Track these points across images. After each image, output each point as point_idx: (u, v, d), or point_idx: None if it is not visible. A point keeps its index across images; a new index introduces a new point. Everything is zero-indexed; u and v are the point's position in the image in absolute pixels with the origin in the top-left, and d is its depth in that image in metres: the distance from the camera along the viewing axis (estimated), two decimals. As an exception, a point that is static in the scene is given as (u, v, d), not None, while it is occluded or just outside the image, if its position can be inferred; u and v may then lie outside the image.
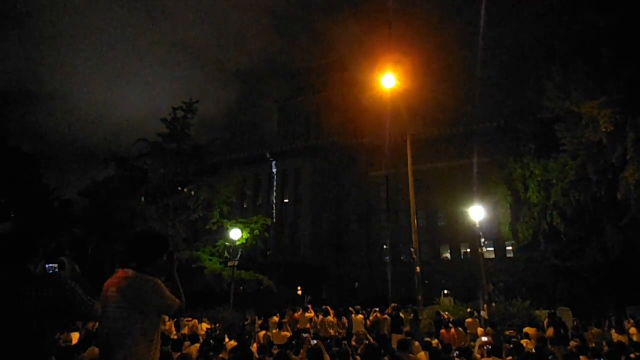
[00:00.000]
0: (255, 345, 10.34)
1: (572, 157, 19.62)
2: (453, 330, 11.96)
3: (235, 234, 22.35)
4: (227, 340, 11.11)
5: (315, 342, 8.45)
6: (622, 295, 20.06)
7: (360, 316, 15.80)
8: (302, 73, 56.90)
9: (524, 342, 9.37)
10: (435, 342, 9.71)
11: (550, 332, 11.23)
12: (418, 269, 14.13)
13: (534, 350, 8.24)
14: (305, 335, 10.11)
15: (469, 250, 40.81)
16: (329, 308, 15.61)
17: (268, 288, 27.54)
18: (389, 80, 14.16)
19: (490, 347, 8.39)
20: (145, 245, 3.07)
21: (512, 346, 8.66)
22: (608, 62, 17.88)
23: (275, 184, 50.10)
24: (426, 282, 26.49)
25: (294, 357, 7.66)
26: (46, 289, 2.50)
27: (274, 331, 12.42)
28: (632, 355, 7.90)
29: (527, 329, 11.60)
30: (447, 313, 15.46)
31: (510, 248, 35.95)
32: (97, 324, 7.29)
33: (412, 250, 14.85)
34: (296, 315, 16.25)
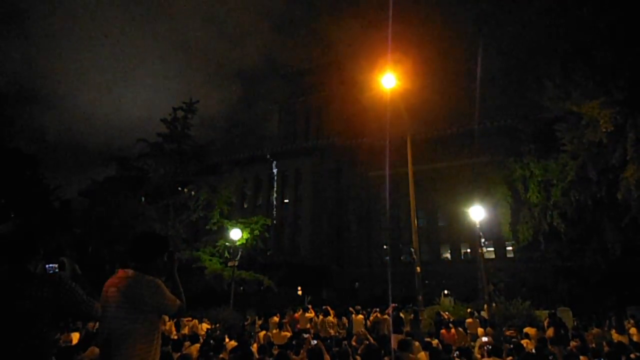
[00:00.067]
0: (255, 345, 10.34)
1: (572, 157, 19.60)
2: (453, 330, 11.96)
3: (235, 234, 22.35)
4: (227, 340, 11.11)
5: (315, 342, 8.45)
6: (622, 295, 20.08)
7: (360, 316, 15.82)
8: (302, 73, 56.89)
9: (524, 342, 9.38)
10: (435, 342, 9.71)
11: (550, 332, 11.23)
12: (418, 269, 14.13)
13: (534, 350, 8.24)
14: (306, 336, 10.10)
15: (469, 250, 40.81)
16: (329, 308, 15.62)
17: (268, 288, 27.54)
18: (389, 80, 14.16)
19: (490, 347, 8.39)
20: (146, 245, 3.07)
21: (512, 346, 8.66)
22: (608, 62, 17.87)
23: (275, 184, 50.11)
24: (426, 282, 26.51)
25: (294, 357, 7.66)
26: (46, 289, 2.50)
27: (274, 331, 12.43)
28: (632, 355, 7.90)
29: (527, 329, 11.60)
30: (447, 313, 15.47)
31: (510, 248, 35.94)
32: (97, 324, 7.30)
33: (412, 250, 14.85)
34: (296, 315, 16.26)
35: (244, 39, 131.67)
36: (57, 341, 9.47)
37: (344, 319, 16.34)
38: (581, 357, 7.87)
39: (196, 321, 15.60)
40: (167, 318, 10.64)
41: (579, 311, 18.48)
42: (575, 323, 16.76)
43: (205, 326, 15.84)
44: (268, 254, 37.05)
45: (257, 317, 18.17)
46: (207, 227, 27.09)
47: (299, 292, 36.88)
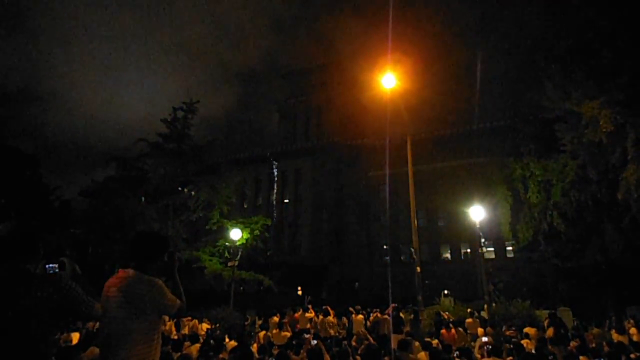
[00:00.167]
0: (255, 345, 10.35)
1: (572, 157, 19.62)
2: (453, 330, 11.95)
3: (235, 234, 22.35)
4: (227, 340, 11.12)
5: (315, 342, 8.45)
6: (622, 295, 20.07)
7: (360, 316, 15.82)
8: (302, 73, 56.89)
9: (524, 342, 9.38)
10: (435, 342, 9.71)
11: (550, 332, 11.23)
12: (418, 269, 14.13)
13: (534, 351, 8.24)
14: (306, 336, 10.10)
15: (469, 250, 40.81)
16: (328, 308, 15.62)
17: (268, 288, 27.53)
18: (389, 80, 14.16)
19: (490, 347, 8.39)
20: (146, 245, 3.07)
21: (512, 346, 8.66)
22: (608, 62, 17.88)
23: (275, 184, 50.12)
24: (426, 282, 26.51)
25: (294, 357, 7.66)
26: (46, 289, 2.50)
27: (274, 331, 12.42)
28: (632, 355, 7.90)
29: (527, 329, 11.61)
30: (447, 313, 15.46)
31: (510, 248, 35.95)
32: (97, 324, 7.28)
33: (412, 250, 14.86)
34: (296, 315, 16.26)
35: (244, 39, 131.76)
36: (57, 341, 9.47)
37: (344, 319, 16.34)
38: (581, 357, 7.87)
39: (196, 321, 15.60)
40: (167, 318, 10.63)
41: (579, 311, 18.47)
42: (575, 323, 16.76)
43: (205, 326, 15.84)
44: (268, 254, 37.05)
45: (257, 317, 18.19)
46: (207, 227, 27.08)
47: (299, 292, 36.88)
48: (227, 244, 25.48)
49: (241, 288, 27.14)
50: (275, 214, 46.79)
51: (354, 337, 10.98)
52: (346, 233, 46.18)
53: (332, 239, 45.32)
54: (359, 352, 7.35)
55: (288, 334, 11.81)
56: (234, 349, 8.40)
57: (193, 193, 27.24)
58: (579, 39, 19.26)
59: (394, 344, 8.98)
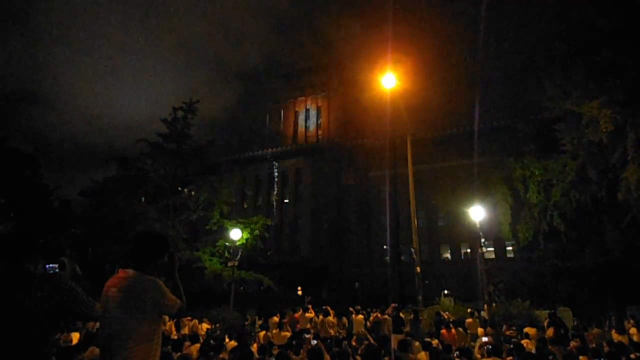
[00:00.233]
0: (255, 345, 10.34)
1: (572, 157, 19.61)
2: (453, 330, 11.95)
3: (235, 234, 22.35)
4: (227, 340, 11.12)
5: (315, 342, 8.45)
6: (622, 295, 20.06)
7: (360, 316, 15.82)
8: (302, 73, 56.87)
9: (524, 342, 9.38)
10: (435, 342, 9.71)
11: (550, 332, 11.23)
12: (418, 269, 14.14)
13: (534, 351, 8.24)
14: (306, 336, 10.10)
15: (469, 250, 40.81)
16: (328, 308, 15.61)
17: (268, 288, 27.54)
18: (389, 80, 14.16)
19: (490, 347, 8.39)
20: (146, 245, 3.07)
21: (512, 346, 8.66)
22: (608, 62, 17.87)
23: (275, 184, 50.11)
24: (426, 282, 26.49)
25: (294, 357, 7.66)
26: (46, 289, 2.50)
27: (274, 331, 12.42)
28: (632, 355, 7.90)
29: (527, 329, 11.60)
30: (447, 313, 15.46)
31: (510, 248, 35.95)
32: (97, 324, 7.28)
33: (412, 250, 14.86)
34: (296, 315, 16.25)
35: (244, 39, 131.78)
36: (57, 341, 9.47)
37: (344, 319, 16.34)
38: (581, 357, 7.87)
39: (196, 321, 15.59)
40: (167, 318, 10.64)
41: (579, 311, 18.47)
42: (575, 323, 16.75)
43: (205, 326, 15.83)
44: (268, 254, 37.04)
45: (257, 317, 18.18)
46: (207, 227, 27.09)
47: (299, 292, 36.89)
48: (227, 244, 25.50)
49: (241, 288, 27.12)
50: (275, 214, 46.79)
51: (354, 337, 10.98)
52: (346, 233, 46.17)
53: (332, 239, 45.32)
54: (359, 352, 7.35)
55: (288, 334, 11.81)
56: (234, 349, 8.40)
57: (193, 193, 27.25)
58: (579, 39, 19.26)
59: (394, 344, 8.98)
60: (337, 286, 41.68)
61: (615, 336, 11.59)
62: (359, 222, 46.14)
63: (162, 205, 26.40)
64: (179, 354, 7.56)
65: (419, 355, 7.32)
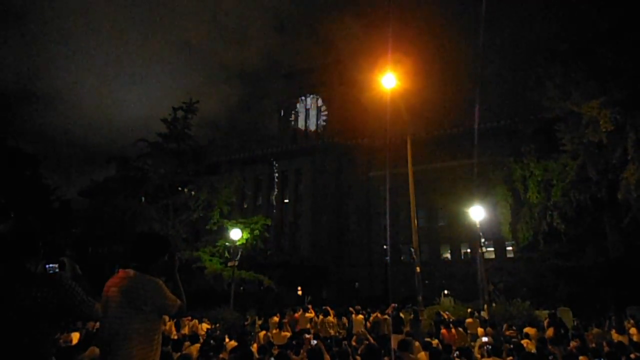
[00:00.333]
0: (255, 345, 10.34)
1: (572, 157, 19.62)
2: (453, 330, 11.94)
3: (235, 234, 22.35)
4: (227, 340, 11.12)
5: (315, 342, 8.44)
6: (622, 295, 20.05)
7: (360, 316, 15.80)
8: (302, 73, 56.89)
9: (524, 342, 9.38)
10: (435, 342, 9.71)
11: (550, 332, 11.22)
12: (418, 269, 14.13)
13: (534, 351, 8.24)
14: (306, 336, 10.10)
15: (469, 250, 40.80)
16: (328, 308, 15.61)
17: (268, 288, 27.54)
18: (389, 80, 14.15)
19: (490, 347, 8.39)
20: (147, 245, 3.07)
21: (512, 346, 8.66)
22: (608, 62, 17.88)
23: (275, 184, 50.12)
24: (426, 282, 26.47)
25: (294, 357, 7.66)
26: (46, 289, 2.50)
27: (274, 331, 12.42)
28: (632, 355, 7.90)
29: (527, 329, 11.59)
30: (447, 313, 15.44)
31: (510, 248, 35.94)
32: (98, 324, 7.28)
33: (412, 250, 14.85)
34: (296, 315, 16.23)
35: (244, 39, 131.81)
36: (57, 341, 9.47)
37: (344, 319, 16.33)
38: (581, 357, 7.86)
39: (196, 321, 15.59)
40: (167, 318, 10.64)
41: (579, 311, 18.46)
42: (575, 323, 16.74)
43: (205, 326, 15.83)
44: (268, 254, 37.07)
45: (257, 317, 18.17)
46: (207, 227, 27.09)
47: (299, 292, 36.89)
48: (227, 244, 25.49)
49: (241, 288, 27.14)
50: (275, 214, 46.79)
51: (354, 337, 10.98)
52: (346, 233, 46.18)
53: (332, 239, 45.32)
54: (359, 352, 7.35)
55: (288, 334, 11.80)
56: (234, 349, 8.40)
57: (193, 193, 27.25)
58: (579, 39, 19.27)
59: (394, 344, 8.98)
60: (337, 286, 41.68)
61: (615, 336, 11.58)
62: (359, 222, 46.14)
63: (162, 205, 26.41)
64: (179, 354, 7.56)
65: (419, 355, 7.31)
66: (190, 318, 15.41)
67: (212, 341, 9.98)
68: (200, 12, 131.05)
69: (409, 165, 15.37)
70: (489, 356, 7.96)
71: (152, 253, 3.02)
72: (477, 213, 16.80)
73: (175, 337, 11.49)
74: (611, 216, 19.45)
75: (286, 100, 56.96)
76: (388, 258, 42.84)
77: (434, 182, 40.77)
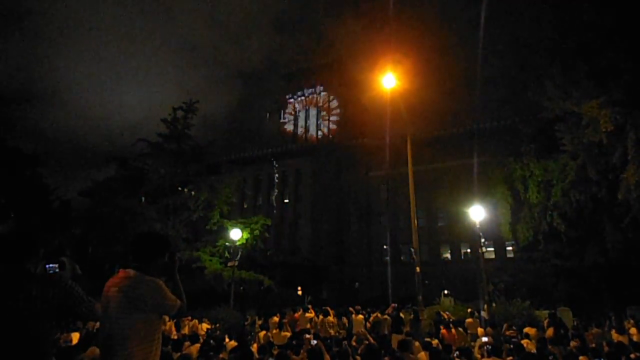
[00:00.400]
0: (255, 345, 10.34)
1: (572, 157, 19.62)
2: (453, 330, 11.94)
3: (235, 234, 22.34)
4: (227, 340, 11.11)
5: (315, 342, 8.44)
6: (622, 295, 20.06)
7: (360, 316, 15.79)
8: (302, 73, 56.91)
9: (524, 342, 9.37)
10: (435, 342, 9.70)
11: (550, 332, 11.22)
12: (418, 269, 14.12)
13: (534, 351, 8.24)
14: (307, 336, 10.10)
15: (469, 250, 40.81)
16: (328, 308, 15.60)
17: (268, 288, 27.53)
18: (389, 80, 14.15)
19: (490, 347, 8.39)
20: (147, 245, 3.07)
21: (512, 346, 8.66)
22: (608, 62, 17.89)
23: (275, 184, 50.13)
24: (426, 282, 26.49)
25: (294, 357, 7.65)
26: (46, 289, 2.50)
27: (274, 331, 12.42)
28: (632, 355, 7.89)
29: (527, 329, 11.59)
30: (447, 313, 15.44)
31: (510, 248, 35.94)
32: (98, 324, 7.28)
33: (412, 250, 14.84)
34: (296, 315, 16.23)
35: (245, 39, 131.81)
36: (57, 341, 9.47)
37: (344, 319, 16.33)
38: (581, 357, 7.86)
39: (196, 321, 15.58)
40: (167, 318, 10.63)
41: (579, 311, 18.45)
42: (575, 323, 16.73)
43: (205, 326, 15.82)
44: (268, 254, 37.04)
45: (257, 317, 18.16)
46: (207, 227, 27.09)
47: (299, 292, 36.88)
48: (227, 244, 25.47)
49: (241, 288, 27.10)
50: (275, 214, 46.80)
51: (354, 337, 10.98)
52: (346, 233, 46.19)
53: (332, 239, 45.33)
54: (359, 352, 7.35)
55: (288, 334, 11.80)
56: (234, 349, 8.40)
57: (193, 193, 27.25)
58: (579, 39, 19.27)
59: (394, 344, 8.99)
60: (337, 286, 41.68)
61: (615, 336, 11.58)
62: (359, 222, 46.15)
63: (162, 205, 26.40)
64: (179, 354, 7.56)
65: (419, 355, 7.31)
66: (190, 318, 15.40)
67: (212, 341, 9.98)
68: (200, 12, 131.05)
69: (409, 165, 15.37)
70: (489, 356, 7.96)
71: (152, 253, 3.02)
72: (477, 213, 16.79)
73: (175, 337, 11.49)
74: (611, 216, 19.44)
75: (286, 101, 56.98)
76: (388, 258, 42.83)
77: (434, 182, 40.78)
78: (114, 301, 2.80)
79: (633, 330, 12.64)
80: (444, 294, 26.85)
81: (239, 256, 22.14)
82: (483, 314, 15.89)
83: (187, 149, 28.06)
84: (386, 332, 13.24)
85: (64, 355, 6.60)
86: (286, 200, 49.29)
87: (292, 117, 56.30)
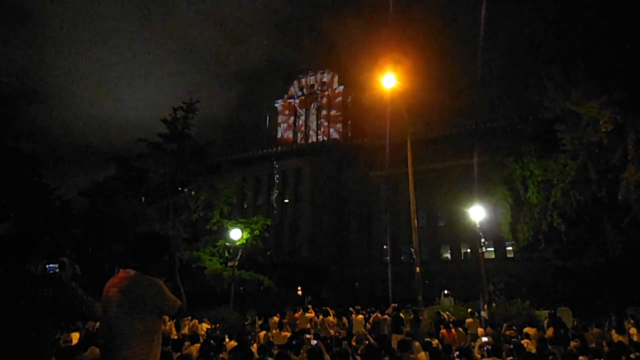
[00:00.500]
0: (255, 345, 10.33)
1: (572, 157, 19.62)
2: (453, 330, 11.94)
3: (235, 234, 22.34)
4: (227, 340, 11.10)
5: (315, 342, 8.44)
6: (622, 295, 20.05)
7: (360, 316, 15.81)
8: (302, 73, 56.92)
9: (524, 342, 9.37)
10: (435, 342, 9.70)
11: (550, 332, 11.22)
12: (418, 269, 14.13)
13: (534, 351, 8.24)
14: (307, 336, 10.10)
15: (469, 250, 40.82)
16: (328, 308, 15.61)
17: (268, 288, 27.54)
18: (389, 80, 14.15)
19: (490, 347, 8.39)
20: (147, 245, 3.07)
21: (512, 346, 8.66)
22: (608, 62, 17.89)
23: (275, 184, 50.12)
24: (426, 282, 26.50)
25: (294, 357, 7.65)
26: (46, 289, 2.50)
27: (274, 331, 12.41)
28: (632, 355, 7.89)
29: (527, 329, 11.58)
30: (447, 313, 15.44)
31: (510, 248, 35.95)
32: (97, 324, 7.28)
33: (412, 250, 14.86)
34: (296, 315, 16.24)
35: (245, 39, 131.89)
36: (57, 341, 9.47)
37: (344, 319, 16.33)
38: (581, 357, 7.85)
39: (196, 321, 15.58)
40: (167, 318, 10.63)
41: (579, 311, 18.46)
42: (575, 323, 16.73)
43: (205, 326, 15.81)
44: (268, 254, 37.04)
45: (257, 317, 18.16)
46: (207, 227, 27.08)
47: (299, 292, 36.88)
48: (227, 244, 25.48)
49: (241, 288, 27.12)
50: (275, 214, 46.80)
51: (354, 337, 10.98)
52: (346, 233, 46.19)
53: (332, 239, 45.33)
54: (359, 352, 7.35)
55: (288, 334, 11.79)
56: (234, 349, 8.39)
57: (193, 193, 27.25)
58: (579, 39, 19.26)
59: (394, 344, 8.99)
60: (337, 286, 41.68)
61: (615, 336, 11.57)
62: (359, 221, 46.15)
63: (162, 205, 26.40)
64: (179, 354, 7.56)
65: (419, 355, 7.31)
66: (190, 318, 15.40)
67: (212, 341, 9.97)
68: (200, 12, 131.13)
69: (409, 165, 15.37)
70: (489, 356, 7.96)
71: (152, 253, 3.02)
72: (477, 213, 16.79)
73: (175, 337, 11.49)
74: (611, 216, 19.42)
75: (286, 100, 56.99)
76: (388, 258, 42.84)
77: (434, 182, 40.78)
78: (114, 301, 2.80)
79: (633, 330, 12.62)
80: (444, 294, 26.86)
81: (239, 256, 22.14)
82: (483, 314, 15.88)
83: (187, 149, 28.06)
84: (386, 332, 13.24)
85: (64, 355, 6.60)
86: (286, 200, 49.29)
87: (292, 117, 56.30)
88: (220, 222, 26.76)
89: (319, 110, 54.67)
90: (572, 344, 9.55)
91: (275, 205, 49.06)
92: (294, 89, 56.70)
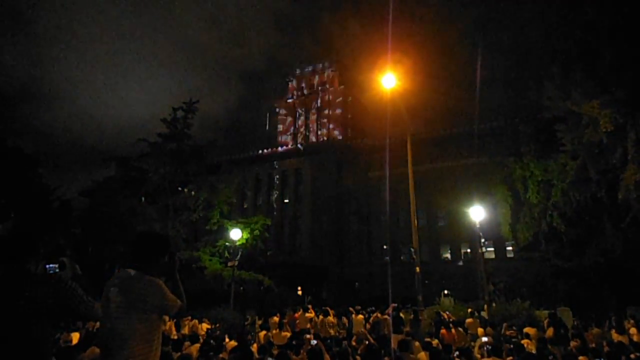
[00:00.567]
0: (255, 345, 10.33)
1: (572, 157, 19.64)
2: (453, 330, 11.93)
3: (235, 234, 22.34)
4: (227, 340, 11.11)
5: (315, 342, 8.44)
6: (622, 295, 20.05)
7: (360, 316, 15.79)
8: (302, 73, 56.91)
9: (524, 342, 9.37)
10: (435, 342, 9.70)
11: (550, 332, 11.21)
12: (418, 269, 14.13)
13: (534, 351, 8.24)
14: (307, 336, 10.10)
15: (469, 250, 40.80)
16: (328, 308, 15.60)
17: (268, 288, 27.55)
18: (389, 80, 14.15)
19: (490, 347, 8.39)
20: (147, 245, 3.07)
21: (512, 346, 8.66)
22: (608, 62, 17.89)
23: (275, 184, 50.12)
24: (426, 282, 26.48)
25: (294, 357, 7.65)
26: (46, 289, 2.50)
27: (274, 331, 12.41)
28: (632, 355, 7.89)
29: (527, 329, 11.58)
30: (447, 313, 15.43)
31: (510, 248, 35.95)
32: (98, 324, 7.28)
33: (412, 250, 14.86)
34: (296, 315, 16.23)
35: (245, 38, 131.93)
36: (57, 341, 9.47)
37: (344, 319, 16.33)
38: (581, 357, 7.85)
39: (196, 321, 15.57)
40: (167, 318, 10.63)
41: (579, 311, 18.45)
42: (575, 323, 16.73)
43: (205, 326, 15.81)
44: (268, 254, 37.06)
45: (257, 317, 18.16)
46: (207, 227, 27.10)
47: (299, 292, 36.88)
48: (227, 244, 25.50)
49: (241, 288, 27.11)
50: (275, 214, 46.79)
51: (354, 337, 10.97)
52: (346, 233, 46.18)
53: (332, 239, 45.32)
54: (359, 352, 7.36)
55: (288, 334, 11.79)
56: (234, 349, 8.39)
57: (193, 193, 27.27)
58: (579, 39, 19.26)
59: (394, 344, 8.98)
60: (337, 286, 41.68)
61: (615, 336, 11.56)
62: (359, 222, 46.13)
63: (162, 205, 26.42)
64: (179, 354, 7.56)
65: (419, 355, 7.31)
66: (190, 318, 15.40)
67: (212, 341, 9.97)
68: (200, 12, 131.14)
69: (409, 165, 15.37)
70: (489, 356, 7.96)
71: (152, 253, 3.02)
72: (477, 213, 16.80)
73: (175, 337, 11.48)
74: (611, 216, 19.43)
75: (286, 100, 56.98)
76: (388, 258, 42.82)
77: (434, 182, 40.76)
78: (114, 301, 2.80)
79: (633, 330, 12.62)
80: (444, 294, 26.87)
81: (239, 256, 22.14)
82: (483, 314, 15.90)
83: (187, 149, 28.07)
84: (386, 332, 13.23)
85: (64, 355, 6.60)
86: (286, 200, 49.28)
87: (292, 117, 56.29)
88: (220, 222, 26.78)
89: (319, 110, 54.62)
90: (572, 344, 9.55)
91: (275, 205, 49.06)
92: (294, 89, 56.69)
